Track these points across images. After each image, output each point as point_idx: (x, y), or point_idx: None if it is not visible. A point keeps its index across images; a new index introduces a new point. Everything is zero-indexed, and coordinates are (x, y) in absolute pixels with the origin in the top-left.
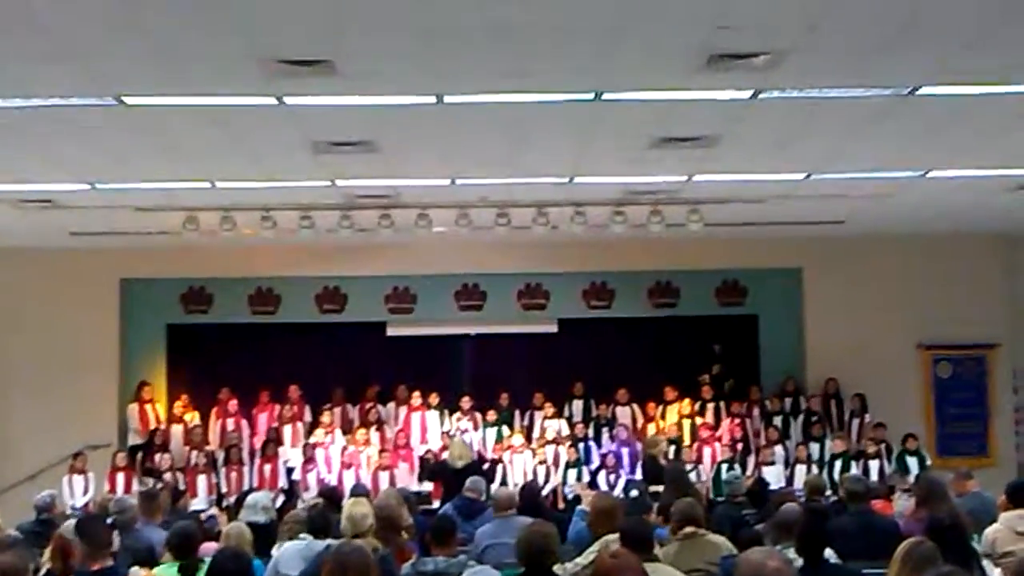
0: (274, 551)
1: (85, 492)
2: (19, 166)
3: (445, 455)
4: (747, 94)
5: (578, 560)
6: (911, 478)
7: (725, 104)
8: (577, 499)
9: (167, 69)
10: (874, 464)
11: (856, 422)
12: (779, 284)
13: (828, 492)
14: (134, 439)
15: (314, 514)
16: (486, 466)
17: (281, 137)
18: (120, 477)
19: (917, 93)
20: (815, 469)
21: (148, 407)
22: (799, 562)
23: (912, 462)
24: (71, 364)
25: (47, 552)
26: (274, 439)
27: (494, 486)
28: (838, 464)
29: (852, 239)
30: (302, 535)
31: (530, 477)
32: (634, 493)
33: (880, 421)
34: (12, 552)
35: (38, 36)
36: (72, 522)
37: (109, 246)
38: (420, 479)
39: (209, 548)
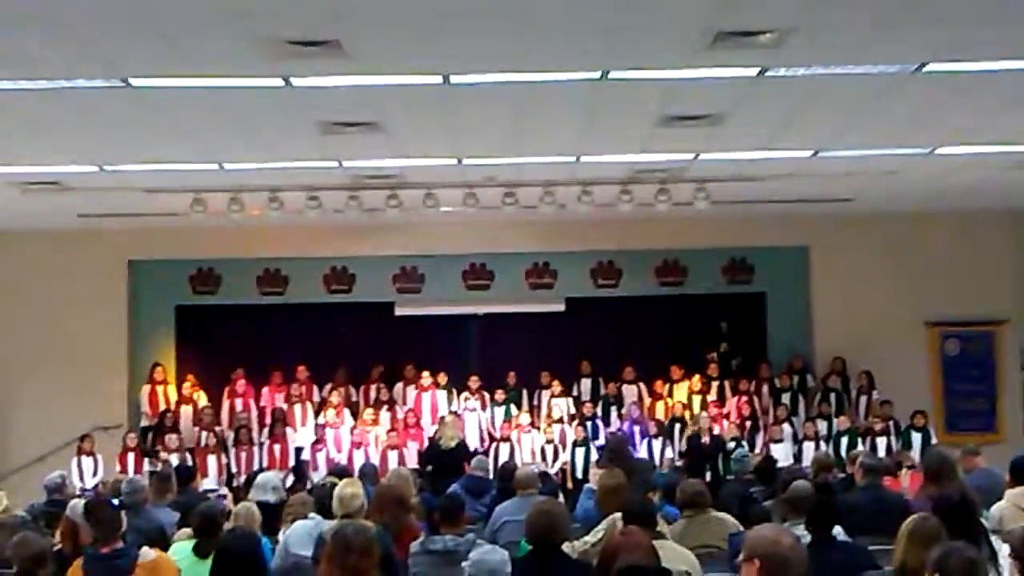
0: (281, 532)
1: (94, 474)
2: (26, 149)
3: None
4: (753, 72)
5: (586, 538)
6: (915, 454)
7: (731, 82)
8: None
9: (174, 51)
10: (881, 441)
11: (863, 399)
12: (786, 262)
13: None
14: (145, 421)
15: (322, 494)
16: (483, 446)
17: (288, 118)
18: (131, 458)
19: (924, 70)
20: (823, 446)
21: (160, 388)
22: (807, 538)
23: (916, 438)
24: (80, 346)
25: (57, 532)
26: (282, 419)
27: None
28: (844, 441)
29: (859, 216)
30: (311, 515)
31: (538, 456)
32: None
33: (887, 398)
34: (33, 535)
35: (45, 18)
36: (80, 503)
37: (117, 228)
38: (420, 463)
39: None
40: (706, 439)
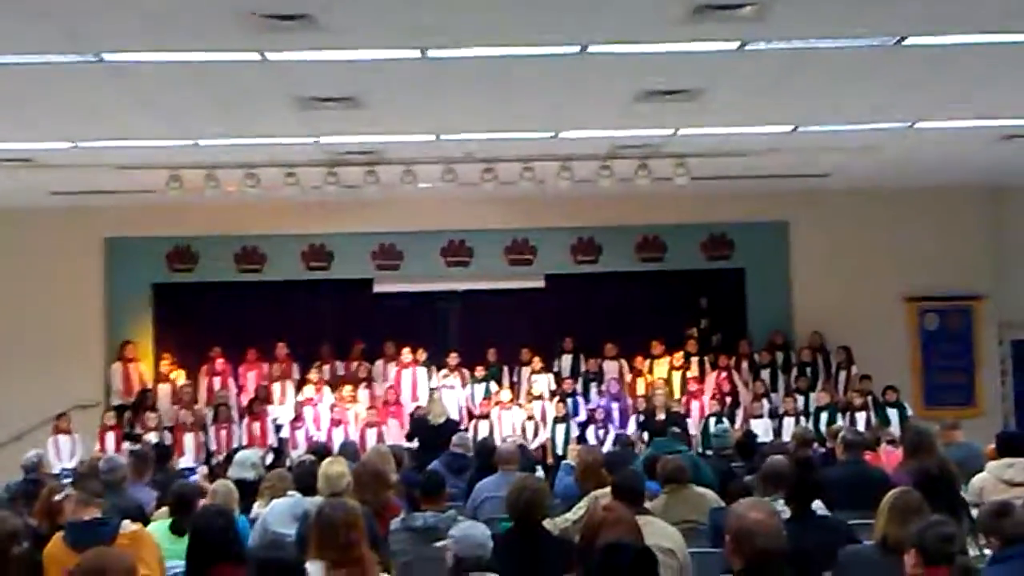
0: (256, 508)
1: (72, 453)
2: None
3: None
4: (733, 46)
5: (567, 515)
6: (893, 429)
7: (711, 56)
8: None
9: (147, 25)
10: (860, 416)
11: (843, 374)
12: (766, 237)
13: (815, 444)
14: (116, 399)
15: (302, 471)
16: (463, 425)
17: (264, 93)
18: (110, 436)
19: (904, 43)
20: (803, 421)
21: (132, 366)
22: (787, 513)
23: (892, 413)
24: (57, 324)
25: (35, 511)
26: (262, 397)
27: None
28: (824, 416)
29: (838, 192)
30: (290, 492)
31: (518, 432)
32: (616, 448)
33: (866, 373)
34: (5, 512)
35: None
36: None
37: (92, 205)
38: (408, 437)
39: (195, 506)
40: (661, 415)
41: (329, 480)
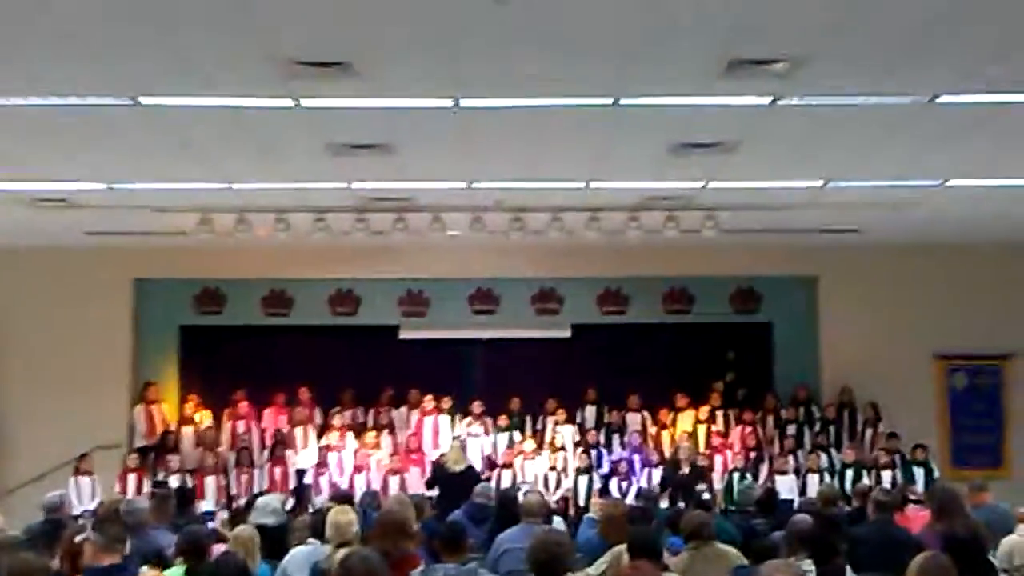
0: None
1: (92, 494)
2: (36, 165)
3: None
4: (766, 100)
5: (589, 570)
6: (919, 488)
7: (743, 110)
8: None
9: (184, 69)
10: (887, 474)
11: (869, 432)
12: (794, 292)
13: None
14: (140, 441)
15: (320, 519)
16: (484, 473)
17: (297, 139)
18: (131, 479)
19: (937, 101)
20: (827, 478)
21: (155, 408)
22: (813, 574)
23: (919, 472)
24: (83, 364)
25: (56, 553)
26: (283, 441)
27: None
28: (849, 473)
29: (868, 247)
30: (310, 540)
31: (541, 483)
32: (639, 502)
33: (893, 431)
34: (27, 554)
35: (56, 35)
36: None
37: (123, 246)
38: (428, 485)
39: (215, 551)
40: (685, 469)
41: (338, 529)
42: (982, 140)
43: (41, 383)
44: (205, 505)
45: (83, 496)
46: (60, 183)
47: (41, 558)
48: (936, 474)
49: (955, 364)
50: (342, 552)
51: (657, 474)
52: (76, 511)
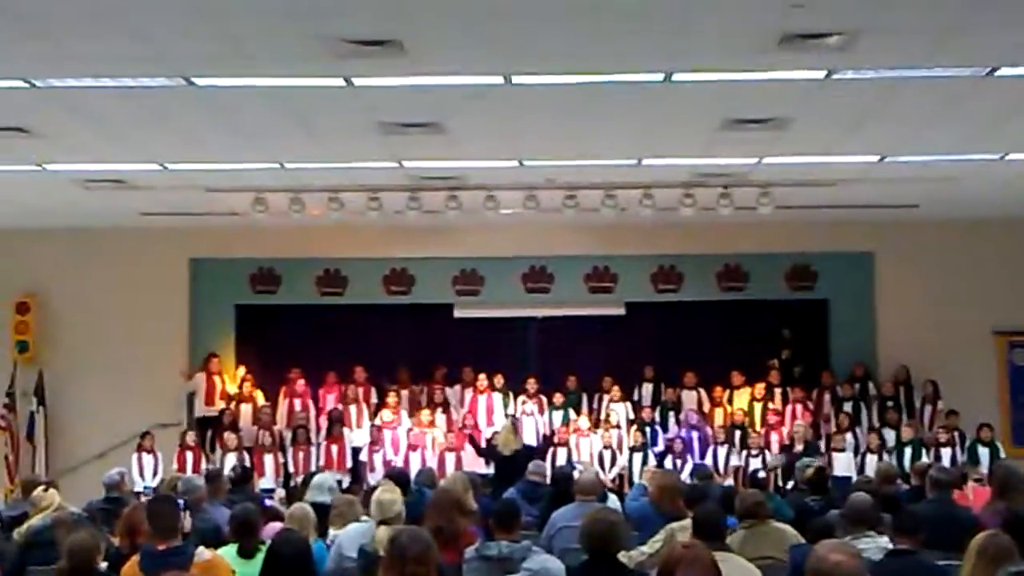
0: (331, 532)
1: (154, 471)
2: (92, 146)
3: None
4: (820, 74)
5: (643, 548)
6: (983, 468)
7: (798, 85)
8: None
9: (237, 50)
10: (946, 452)
11: (928, 409)
12: (851, 268)
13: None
14: (200, 409)
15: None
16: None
17: (349, 118)
18: (188, 456)
19: (996, 74)
20: (885, 457)
21: (215, 379)
22: (869, 552)
23: (984, 452)
24: (141, 344)
25: (116, 529)
26: (339, 420)
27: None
28: (908, 452)
29: (926, 223)
30: (363, 517)
31: (595, 461)
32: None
33: (953, 409)
34: (85, 530)
35: (111, 18)
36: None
37: (179, 226)
38: (485, 461)
39: (273, 529)
40: (799, 447)
41: (382, 507)
42: None
43: (100, 363)
44: (263, 483)
45: (146, 473)
46: (116, 164)
47: (98, 535)
48: (1002, 454)
49: (1016, 340)
50: (383, 529)
51: (722, 452)
52: (139, 488)
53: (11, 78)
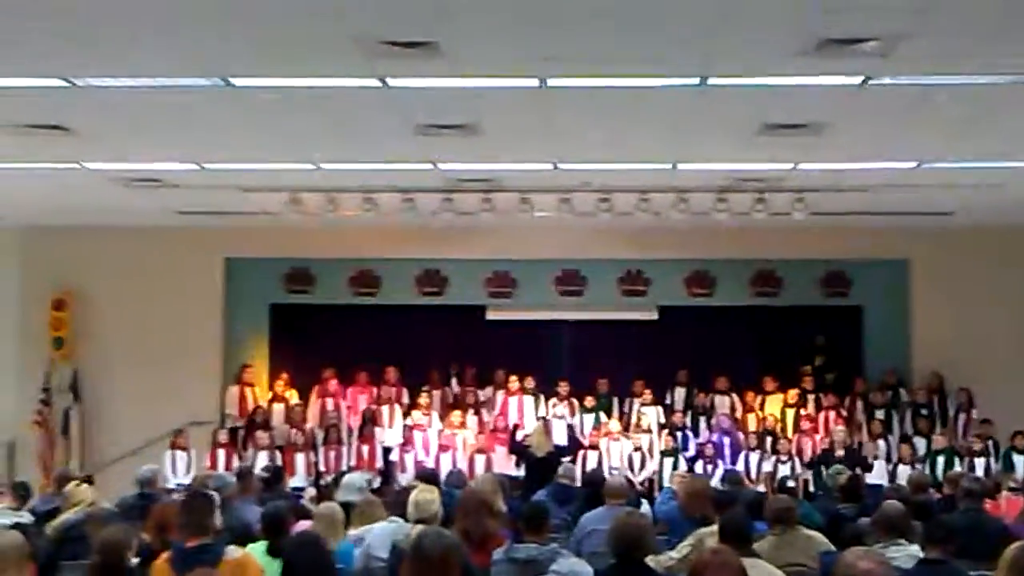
0: (351, 533)
1: (187, 469)
2: (130, 146)
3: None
4: (857, 80)
5: (672, 553)
6: (1018, 476)
7: (834, 90)
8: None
9: (273, 51)
10: (980, 462)
11: (962, 417)
12: (885, 275)
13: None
14: (230, 422)
15: (401, 497)
16: (567, 458)
17: (384, 119)
18: (221, 454)
19: None
20: (917, 466)
21: (248, 390)
22: (899, 560)
23: (1019, 460)
24: (176, 341)
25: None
26: (371, 420)
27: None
28: (941, 460)
29: (961, 230)
30: (392, 517)
31: (626, 464)
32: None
33: (987, 417)
34: (117, 526)
35: (147, 17)
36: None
37: (214, 225)
38: (517, 463)
39: (302, 527)
40: (839, 452)
41: (418, 507)
42: None
43: (135, 360)
44: (294, 482)
45: (178, 470)
46: (153, 163)
47: (129, 531)
48: None
49: None
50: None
51: (754, 457)
52: (171, 484)
53: (52, 76)
